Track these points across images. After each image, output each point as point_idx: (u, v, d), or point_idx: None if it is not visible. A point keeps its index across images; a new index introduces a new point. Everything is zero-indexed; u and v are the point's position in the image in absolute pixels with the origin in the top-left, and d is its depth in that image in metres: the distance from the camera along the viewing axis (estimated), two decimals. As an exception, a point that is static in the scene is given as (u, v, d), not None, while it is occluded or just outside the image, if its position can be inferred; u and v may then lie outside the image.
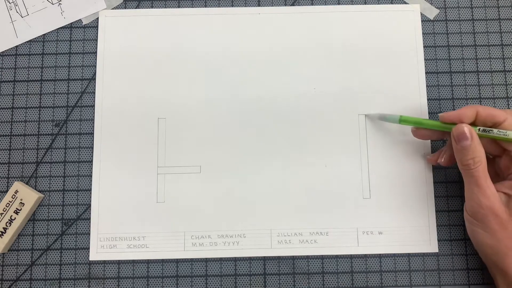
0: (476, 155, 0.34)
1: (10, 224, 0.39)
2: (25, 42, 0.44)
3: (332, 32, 0.44)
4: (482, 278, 0.40)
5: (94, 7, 0.44)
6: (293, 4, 0.44)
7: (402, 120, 0.39)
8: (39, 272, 0.40)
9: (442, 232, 0.41)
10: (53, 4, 0.44)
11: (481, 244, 0.36)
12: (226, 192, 0.41)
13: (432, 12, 0.44)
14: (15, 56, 0.43)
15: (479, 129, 0.35)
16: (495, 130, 0.35)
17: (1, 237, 0.39)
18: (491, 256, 0.35)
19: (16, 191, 0.40)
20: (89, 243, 0.40)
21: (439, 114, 0.37)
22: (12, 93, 0.43)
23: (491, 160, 0.38)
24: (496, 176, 0.38)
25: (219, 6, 0.44)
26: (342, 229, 0.40)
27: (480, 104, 0.43)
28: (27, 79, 0.43)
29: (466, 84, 0.43)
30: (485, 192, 0.34)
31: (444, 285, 0.40)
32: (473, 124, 0.36)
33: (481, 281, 0.40)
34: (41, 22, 0.44)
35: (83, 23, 0.44)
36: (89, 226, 0.41)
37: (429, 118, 0.42)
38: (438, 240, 0.40)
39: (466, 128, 0.34)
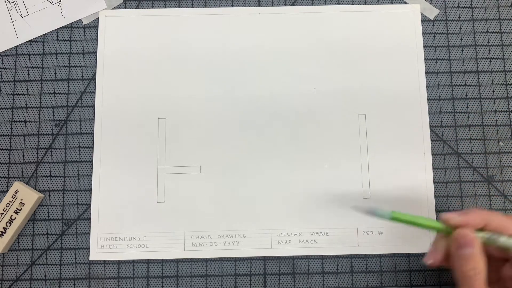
0: (477, 266, 0.31)
1: (10, 224, 0.39)
2: (25, 42, 0.44)
3: (332, 32, 0.44)
4: (482, 278, 0.40)
5: (94, 7, 0.44)
6: (293, 4, 0.44)
7: (393, 218, 0.33)
8: (39, 272, 0.40)
9: (442, 232, 0.41)
10: (53, 4, 0.44)
11: None
12: (226, 192, 0.41)
13: (432, 12, 0.44)
14: (15, 56, 0.43)
15: (485, 236, 0.32)
16: (503, 239, 0.32)
17: (1, 237, 0.39)
18: None
19: (16, 191, 0.40)
20: (89, 243, 0.40)
21: (441, 216, 0.33)
22: (12, 93, 0.43)
23: (494, 263, 0.34)
24: (497, 280, 0.34)
25: (219, 6, 0.44)
26: (342, 229, 0.40)
27: (480, 103, 0.43)
28: (27, 79, 0.43)
29: (466, 84, 0.43)
30: None
31: (444, 285, 0.40)
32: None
33: (481, 281, 0.40)
34: (41, 22, 0.44)
35: (83, 23, 0.44)
36: (89, 226, 0.41)
37: (430, 124, 0.42)
38: (438, 240, 0.40)
39: (471, 235, 0.31)
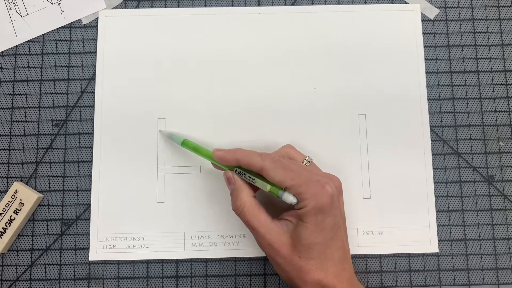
0: (238, 199, 0.34)
1: (10, 224, 0.39)
2: (24, 42, 0.44)
3: (332, 32, 0.44)
4: (482, 278, 0.40)
5: (93, 7, 0.44)
6: (293, 4, 0.44)
7: (183, 144, 0.39)
8: (39, 272, 0.40)
9: (442, 232, 0.41)
10: (52, 4, 0.44)
11: (279, 274, 0.35)
12: (226, 192, 0.41)
13: (433, 12, 0.44)
14: (14, 56, 0.43)
15: (235, 171, 0.36)
16: (246, 175, 0.35)
17: (1, 237, 0.39)
18: (290, 283, 0.35)
19: (16, 191, 0.40)
20: (88, 243, 0.40)
21: (213, 151, 0.37)
22: (12, 93, 0.43)
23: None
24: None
25: (219, 6, 0.44)
26: (342, 229, 0.40)
27: (480, 103, 0.43)
28: (26, 79, 0.43)
29: (467, 84, 0.43)
30: (259, 233, 0.34)
31: (444, 285, 0.40)
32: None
33: (481, 281, 0.40)
34: (41, 22, 0.44)
35: (83, 23, 0.44)
36: (89, 226, 0.41)
37: (429, 118, 0.42)
38: (438, 240, 0.40)
39: (229, 173, 0.36)
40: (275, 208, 0.36)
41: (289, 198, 0.33)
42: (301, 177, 0.33)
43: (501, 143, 0.42)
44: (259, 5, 0.44)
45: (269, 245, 0.33)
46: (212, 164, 0.38)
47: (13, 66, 0.43)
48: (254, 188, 0.36)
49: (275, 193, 0.34)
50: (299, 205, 0.33)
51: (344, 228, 0.35)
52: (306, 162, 0.36)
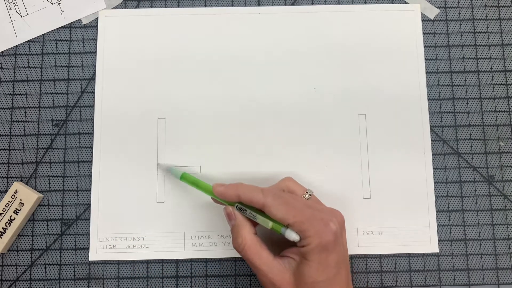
0: (240, 236, 0.34)
1: (10, 224, 0.39)
2: (24, 42, 0.44)
3: (332, 32, 0.43)
4: (482, 278, 0.40)
5: (93, 7, 0.44)
6: (293, 4, 0.44)
7: (182, 178, 0.38)
8: (39, 272, 0.40)
9: (442, 232, 0.41)
10: (52, 4, 0.44)
11: None
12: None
13: (433, 12, 0.44)
14: (14, 56, 0.43)
15: (236, 207, 0.35)
16: (248, 211, 0.34)
17: (1, 237, 0.39)
18: None
19: (16, 191, 0.40)
20: (88, 243, 0.40)
21: (213, 186, 0.36)
22: (12, 93, 0.43)
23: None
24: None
25: (219, 6, 0.44)
26: (342, 229, 0.40)
27: (481, 103, 0.43)
28: (26, 79, 0.43)
29: (467, 84, 0.43)
30: (261, 271, 0.33)
31: (444, 285, 0.40)
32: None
33: (481, 281, 0.40)
34: (41, 22, 0.44)
35: (83, 23, 0.44)
36: (89, 226, 0.41)
37: (430, 123, 0.42)
38: (438, 240, 0.40)
39: (229, 209, 0.35)
40: (277, 243, 0.35)
41: (292, 236, 0.32)
42: (304, 214, 0.32)
43: (501, 143, 0.42)
44: (259, 5, 0.44)
45: (272, 284, 0.33)
46: (212, 198, 0.37)
47: (13, 66, 0.43)
48: (255, 223, 0.35)
49: (277, 230, 0.33)
50: (302, 242, 0.32)
51: (347, 263, 0.34)
52: (307, 195, 0.36)
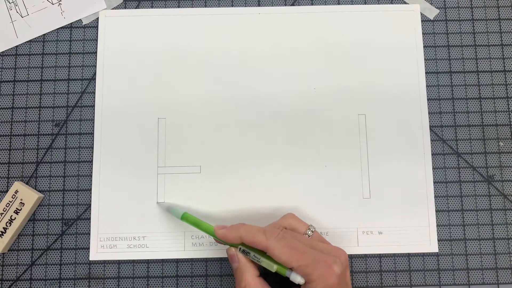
0: (243, 280, 0.33)
1: (10, 224, 0.39)
2: (25, 42, 0.44)
3: (332, 32, 0.44)
4: (482, 278, 0.40)
5: (94, 7, 0.44)
6: (293, 4, 0.44)
7: (183, 218, 0.38)
8: (39, 272, 0.40)
9: (442, 232, 0.41)
10: (53, 4, 0.44)
11: None
12: (226, 192, 0.41)
13: (432, 12, 0.44)
14: (15, 56, 0.43)
15: (239, 249, 0.34)
16: (251, 254, 0.34)
17: (1, 237, 0.39)
18: None
19: (16, 191, 0.40)
20: (89, 243, 0.40)
21: (215, 228, 0.35)
22: (12, 93, 0.43)
23: None
24: None
25: (219, 6, 0.44)
26: (342, 229, 0.40)
27: (480, 103, 0.43)
28: (27, 79, 0.43)
29: (466, 84, 0.43)
30: None
31: (444, 285, 0.40)
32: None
33: (481, 281, 0.40)
34: (41, 22, 0.44)
35: (83, 23, 0.44)
36: (89, 226, 0.41)
37: (429, 124, 0.42)
38: (438, 240, 0.40)
39: (232, 251, 0.34)
40: (281, 282, 0.35)
41: (297, 279, 0.32)
42: (307, 257, 0.32)
43: (501, 143, 0.42)
44: (259, 5, 0.44)
45: None
46: (214, 239, 0.36)
47: (14, 66, 0.43)
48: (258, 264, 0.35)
49: (282, 273, 0.33)
50: (307, 286, 0.32)
51: None
52: (309, 232, 0.36)
